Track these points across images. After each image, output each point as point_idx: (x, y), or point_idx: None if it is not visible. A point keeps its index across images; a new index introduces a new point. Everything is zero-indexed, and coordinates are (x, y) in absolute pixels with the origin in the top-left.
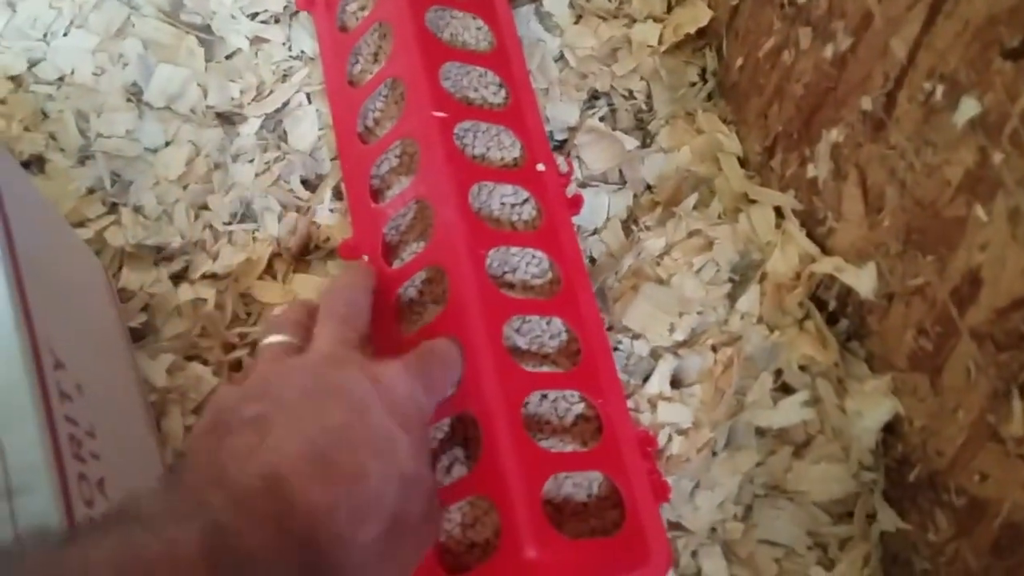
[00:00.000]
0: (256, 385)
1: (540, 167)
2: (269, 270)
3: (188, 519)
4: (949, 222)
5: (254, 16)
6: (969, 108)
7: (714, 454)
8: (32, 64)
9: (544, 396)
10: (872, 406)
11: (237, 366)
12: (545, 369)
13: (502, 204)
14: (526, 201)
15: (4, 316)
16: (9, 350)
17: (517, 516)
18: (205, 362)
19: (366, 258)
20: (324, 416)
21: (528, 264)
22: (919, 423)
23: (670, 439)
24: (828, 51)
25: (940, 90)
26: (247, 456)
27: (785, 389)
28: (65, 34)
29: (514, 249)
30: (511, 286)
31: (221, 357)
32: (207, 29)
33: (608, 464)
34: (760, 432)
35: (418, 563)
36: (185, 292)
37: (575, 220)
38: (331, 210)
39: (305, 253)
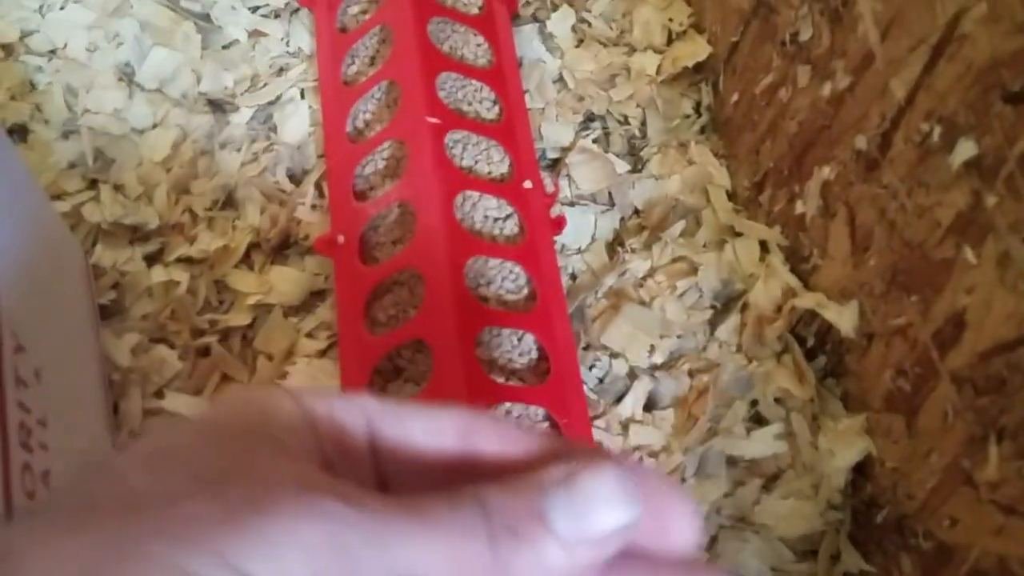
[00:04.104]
0: None
1: (527, 184)
2: (246, 260)
3: None
4: (936, 264)
5: (255, 9)
6: (966, 150)
7: (683, 480)
8: (25, 35)
9: (508, 412)
10: (845, 445)
11: (204, 352)
12: (513, 384)
13: (485, 217)
14: (509, 217)
15: None
16: None
17: None
18: (171, 345)
19: (342, 239)
20: None
21: (504, 279)
22: (891, 465)
23: (640, 462)
24: (826, 89)
25: (937, 131)
26: None
27: (759, 421)
28: (62, 8)
29: (492, 262)
30: (484, 299)
31: (188, 342)
32: (206, 17)
33: None
34: (731, 462)
35: None
36: (158, 273)
37: (560, 238)
38: (313, 206)
39: (284, 247)
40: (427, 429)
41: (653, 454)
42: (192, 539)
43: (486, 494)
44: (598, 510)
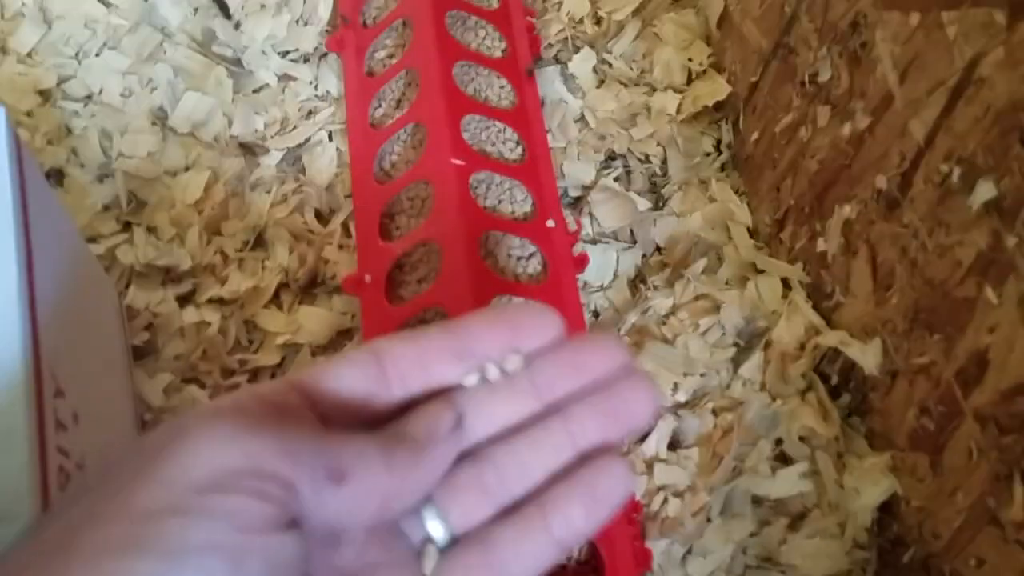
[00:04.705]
0: None
1: (550, 223)
2: (275, 299)
3: None
4: (958, 303)
5: (284, 54)
6: (985, 191)
7: (708, 520)
8: (62, 80)
9: None
10: (870, 483)
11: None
12: None
13: (508, 256)
14: (532, 255)
15: (13, 338)
16: (12, 374)
17: None
18: (203, 385)
19: (368, 278)
20: None
21: None
22: (916, 503)
23: (665, 501)
24: (846, 129)
25: (957, 172)
26: None
27: (784, 459)
28: (97, 54)
29: (516, 300)
30: None
31: (219, 382)
32: (237, 62)
33: None
34: (756, 501)
35: None
36: (190, 314)
37: (582, 276)
38: (340, 246)
39: (312, 286)
40: (347, 374)
41: (678, 493)
42: (138, 474)
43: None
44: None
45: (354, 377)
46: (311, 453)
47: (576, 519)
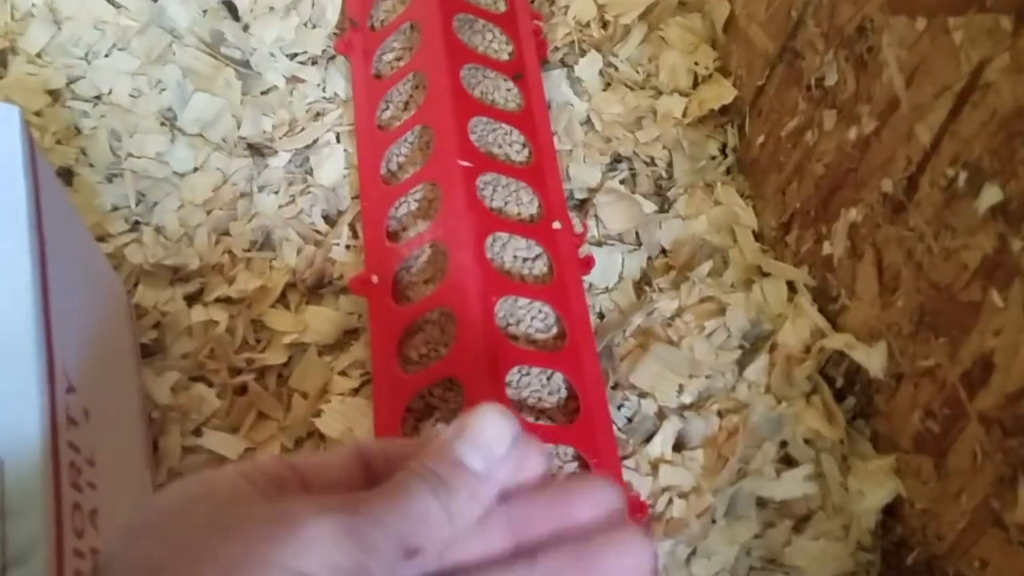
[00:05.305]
0: None
1: (556, 225)
2: (283, 299)
3: None
4: (964, 306)
5: (293, 56)
6: (991, 195)
7: (713, 521)
8: (71, 81)
9: None
10: (874, 486)
11: (242, 390)
12: (543, 423)
13: (515, 257)
14: (538, 257)
15: (27, 336)
16: (26, 371)
17: None
18: (210, 384)
19: (375, 278)
20: None
21: (533, 318)
22: (920, 506)
23: (670, 502)
24: (852, 133)
25: (963, 176)
26: None
27: (788, 461)
28: (107, 55)
29: (521, 302)
30: (514, 338)
31: (226, 380)
32: (246, 64)
33: None
34: (761, 503)
35: None
36: (198, 313)
37: (587, 278)
38: (347, 247)
39: (319, 286)
40: (334, 467)
41: (683, 494)
42: (253, 556)
43: (417, 463)
44: (492, 439)
45: (339, 471)
46: (387, 538)
47: None
